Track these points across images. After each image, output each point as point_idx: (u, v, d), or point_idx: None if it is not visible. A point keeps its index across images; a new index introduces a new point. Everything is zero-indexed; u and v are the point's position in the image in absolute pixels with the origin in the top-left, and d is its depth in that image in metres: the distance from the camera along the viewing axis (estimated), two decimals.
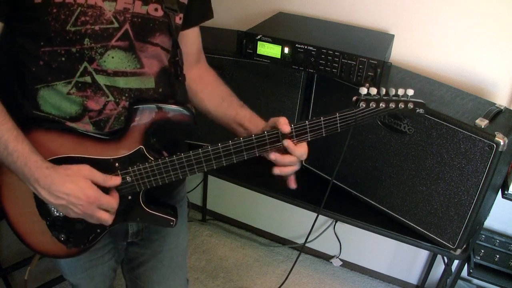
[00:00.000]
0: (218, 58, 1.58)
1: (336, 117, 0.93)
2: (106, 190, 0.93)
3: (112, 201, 0.92)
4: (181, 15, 0.99)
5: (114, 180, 0.93)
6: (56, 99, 0.90)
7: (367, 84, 0.95)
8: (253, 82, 1.60)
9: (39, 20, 0.82)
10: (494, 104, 1.38)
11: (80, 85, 0.89)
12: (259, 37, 1.43)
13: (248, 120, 1.06)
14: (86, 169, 0.90)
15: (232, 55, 1.57)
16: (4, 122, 0.85)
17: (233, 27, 1.76)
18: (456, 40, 1.59)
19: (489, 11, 1.51)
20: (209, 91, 1.12)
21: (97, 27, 0.85)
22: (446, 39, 1.61)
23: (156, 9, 0.92)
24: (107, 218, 0.93)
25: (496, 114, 1.30)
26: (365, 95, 0.92)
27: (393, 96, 0.93)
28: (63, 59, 0.87)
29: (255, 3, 1.89)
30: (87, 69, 0.88)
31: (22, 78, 0.92)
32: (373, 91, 0.92)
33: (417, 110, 0.95)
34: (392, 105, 0.93)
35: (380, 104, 0.93)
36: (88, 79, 0.89)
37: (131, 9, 0.89)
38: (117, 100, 0.92)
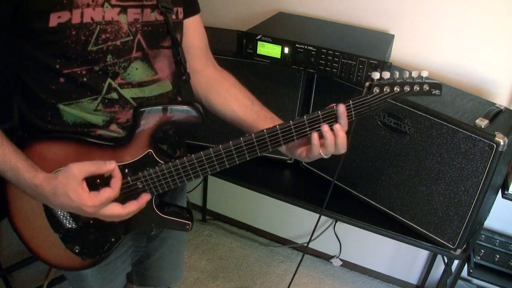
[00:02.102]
0: (218, 58, 1.57)
1: (350, 104, 0.88)
2: (107, 181, 0.86)
3: (110, 191, 0.83)
4: (180, 9, 0.97)
5: (109, 166, 0.84)
6: (82, 113, 0.88)
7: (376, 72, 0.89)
8: (253, 82, 1.60)
9: (58, 43, 0.79)
10: (494, 104, 1.38)
11: (107, 101, 0.88)
12: (259, 37, 1.43)
13: (278, 121, 1.00)
14: (74, 169, 0.80)
15: (232, 55, 1.57)
16: None
17: (233, 27, 1.76)
18: (456, 40, 1.59)
19: (489, 11, 1.51)
20: (237, 91, 1.06)
21: (118, 42, 0.84)
22: (446, 39, 1.61)
23: (160, 13, 0.91)
24: (117, 212, 0.85)
25: (496, 114, 1.30)
26: (378, 79, 0.88)
27: (407, 78, 0.89)
28: (84, 79, 0.85)
29: (255, 3, 1.88)
30: (112, 85, 0.87)
31: (34, 93, 0.88)
32: (386, 75, 0.88)
33: (433, 92, 0.90)
34: (407, 88, 0.89)
35: (395, 88, 0.88)
36: (114, 95, 0.88)
37: (140, 19, 0.87)
38: (135, 106, 0.91)
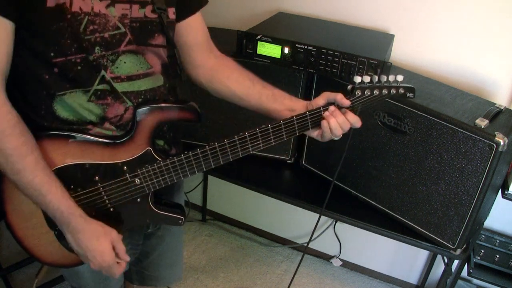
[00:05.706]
0: None
1: (334, 105, 0.97)
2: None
3: (117, 273, 0.97)
4: (173, 9, 0.98)
5: (127, 258, 0.98)
6: (75, 105, 0.89)
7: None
8: None
9: (53, 26, 0.80)
10: (494, 104, 1.38)
11: (99, 93, 0.89)
12: (259, 37, 1.43)
13: (288, 97, 1.05)
14: (115, 234, 0.94)
15: (232, 55, 1.56)
16: (37, 161, 0.85)
17: (233, 27, 1.76)
18: (456, 40, 1.59)
19: (489, 11, 1.51)
20: (237, 75, 1.10)
21: (106, 35, 0.85)
22: (446, 39, 1.61)
23: (152, 11, 0.92)
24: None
25: (496, 114, 1.30)
26: (359, 83, 0.95)
27: (385, 82, 0.97)
28: (79, 67, 0.85)
29: (255, 3, 1.88)
30: (105, 78, 0.88)
31: (28, 85, 0.88)
32: (367, 79, 0.95)
33: (408, 95, 0.98)
34: (385, 91, 0.97)
35: (374, 91, 0.96)
36: (107, 86, 0.89)
37: (129, 15, 0.88)
38: (135, 104, 0.93)
